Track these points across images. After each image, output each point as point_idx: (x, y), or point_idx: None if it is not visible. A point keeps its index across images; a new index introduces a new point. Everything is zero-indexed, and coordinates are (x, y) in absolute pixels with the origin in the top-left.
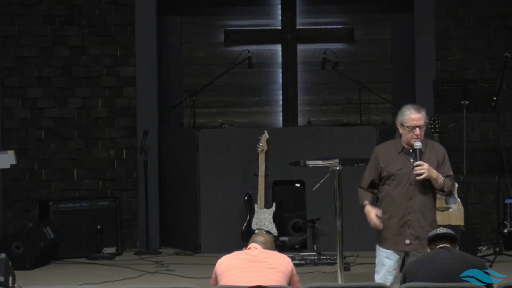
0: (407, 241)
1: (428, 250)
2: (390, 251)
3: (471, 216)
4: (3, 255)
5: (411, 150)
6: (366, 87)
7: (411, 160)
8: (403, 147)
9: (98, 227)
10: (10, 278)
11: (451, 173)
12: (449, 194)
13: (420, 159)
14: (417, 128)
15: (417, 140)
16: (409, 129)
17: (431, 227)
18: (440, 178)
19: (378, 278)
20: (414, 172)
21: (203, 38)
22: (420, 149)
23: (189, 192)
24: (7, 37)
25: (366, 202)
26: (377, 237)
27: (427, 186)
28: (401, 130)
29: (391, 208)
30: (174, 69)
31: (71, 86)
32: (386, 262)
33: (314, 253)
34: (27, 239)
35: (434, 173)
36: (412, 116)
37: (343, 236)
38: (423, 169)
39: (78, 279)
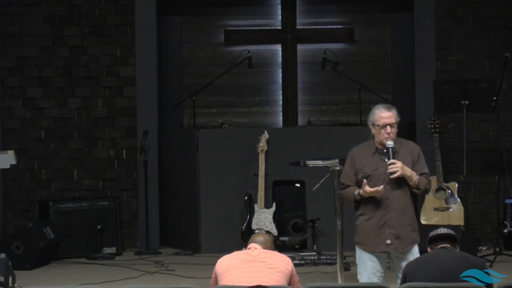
0: (388, 241)
1: (429, 250)
2: (370, 252)
3: (471, 216)
4: (3, 255)
5: (384, 150)
6: (366, 87)
7: (386, 159)
8: (377, 148)
9: (98, 227)
10: (10, 278)
11: (426, 170)
12: (425, 192)
13: (394, 158)
14: (388, 126)
15: (388, 138)
16: (379, 127)
17: (410, 226)
18: (415, 176)
19: (362, 280)
20: (388, 170)
21: (203, 38)
22: (393, 148)
23: (189, 192)
24: (7, 37)
25: (356, 191)
26: (357, 239)
27: (404, 184)
28: (373, 130)
29: (370, 209)
30: (174, 69)
31: (71, 86)
32: (368, 265)
33: (314, 253)
34: (27, 239)
35: (408, 171)
36: (382, 115)
37: (343, 236)
38: (397, 167)
39: (78, 279)
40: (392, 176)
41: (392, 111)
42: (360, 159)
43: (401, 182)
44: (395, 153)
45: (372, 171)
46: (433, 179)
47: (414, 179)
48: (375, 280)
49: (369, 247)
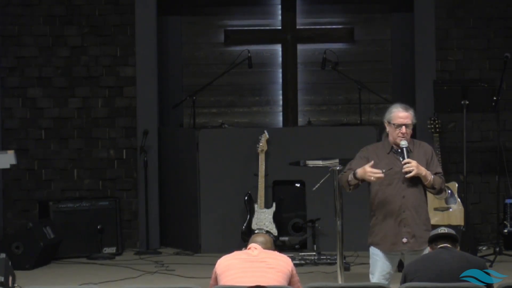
0: (404, 240)
1: (429, 249)
2: (386, 253)
3: (471, 216)
4: (3, 255)
5: (399, 150)
6: (366, 87)
7: (400, 159)
8: (392, 147)
9: (98, 227)
10: (10, 278)
11: (440, 170)
12: (440, 191)
13: (408, 158)
14: (403, 126)
15: (402, 138)
16: (395, 126)
17: (424, 225)
18: (430, 176)
19: (374, 280)
20: (403, 170)
21: (203, 38)
22: (407, 147)
23: (189, 192)
24: (7, 37)
25: (353, 171)
26: (372, 239)
27: (418, 184)
28: (388, 128)
29: (385, 208)
30: (174, 69)
31: (71, 86)
32: (379, 266)
33: (314, 253)
34: (27, 239)
35: (423, 171)
36: (400, 114)
37: (343, 236)
38: (412, 166)
39: (78, 279)
40: (407, 176)
41: (409, 112)
42: (375, 157)
43: (415, 181)
44: (409, 153)
45: (387, 170)
46: None
47: (429, 179)
48: (383, 281)
49: (386, 247)
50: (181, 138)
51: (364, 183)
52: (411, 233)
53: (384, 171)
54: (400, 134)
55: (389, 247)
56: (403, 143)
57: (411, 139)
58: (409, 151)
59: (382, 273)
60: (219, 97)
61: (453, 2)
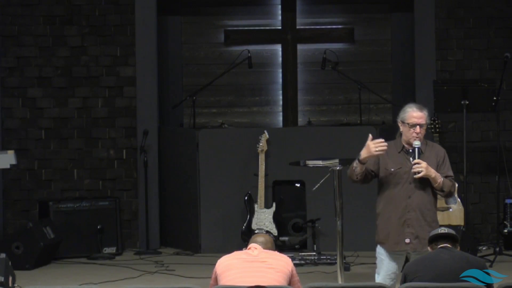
0: (407, 240)
1: (429, 249)
2: (390, 252)
3: (471, 216)
4: (3, 255)
5: (410, 150)
6: (366, 87)
7: (411, 159)
8: (403, 147)
9: (98, 227)
10: (10, 278)
11: (451, 173)
12: (449, 194)
13: (419, 158)
14: (418, 126)
15: (416, 138)
16: (409, 125)
17: (430, 227)
18: (439, 178)
19: (379, 279)
20: (412, 170)
21: (203, 38)
22: (419, 148)
23: (189, 192)
24: (7, 37)
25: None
26: (377, 237)
27: (427, 185)
28: (401, 128)
29: (390, 207)
30: (174, 69)
31: (71, 86)
32: (385, 265)
33: (314, 253)
34: (27, 239)
35: (433, 173)
36: (414, 114)
37: (343, 236)
38: (421, 167)
39: (78, 279)
40: (416, 176)
41: (423, 112)
42: (386, 156)
43: (424, 182)
44: (420, 154)
45: (396, 169)
46: None
47: (439, 181)
48: (389, 281)
49: (389, 246)
50: (181, 138)
51: (373, 181)
52: (415, 234)
53: (393, 170)
54: (414, 134)
55: (392, 246)
56: (416, 143)
57: (424, 140)
58: (421, 152)
59: (388, 272)
60: (219, 97)
61: (453, 2)
